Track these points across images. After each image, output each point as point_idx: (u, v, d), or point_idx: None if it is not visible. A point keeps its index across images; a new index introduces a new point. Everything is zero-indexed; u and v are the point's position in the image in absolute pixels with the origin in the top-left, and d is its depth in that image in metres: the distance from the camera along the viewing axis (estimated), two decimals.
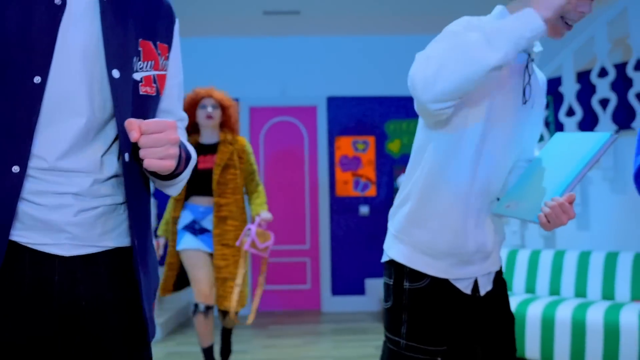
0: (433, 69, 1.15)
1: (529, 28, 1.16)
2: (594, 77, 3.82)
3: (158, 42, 1.04)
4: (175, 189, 1.10)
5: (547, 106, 4.96)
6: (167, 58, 1.06)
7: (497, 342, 1.46)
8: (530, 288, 3.70)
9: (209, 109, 3.14)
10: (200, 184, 3.10)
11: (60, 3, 0.92)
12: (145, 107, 1.01)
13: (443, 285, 1.41)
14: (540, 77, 1.50)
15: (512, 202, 1.43)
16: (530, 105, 1.42)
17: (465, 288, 1.43)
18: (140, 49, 1.00)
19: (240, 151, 3.15)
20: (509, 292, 3.62)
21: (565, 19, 1.32)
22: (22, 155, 0.89)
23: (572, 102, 3.89)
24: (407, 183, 1.45)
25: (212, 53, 5.63)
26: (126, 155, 0.98)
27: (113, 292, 0.99)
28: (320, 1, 5.35)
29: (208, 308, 3.04)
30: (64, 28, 0.92)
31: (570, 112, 3.94)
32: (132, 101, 0.99)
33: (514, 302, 3.35)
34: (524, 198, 1.41)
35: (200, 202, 3.12)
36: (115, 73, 0.95)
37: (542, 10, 1.18)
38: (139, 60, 1.00)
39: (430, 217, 1.39)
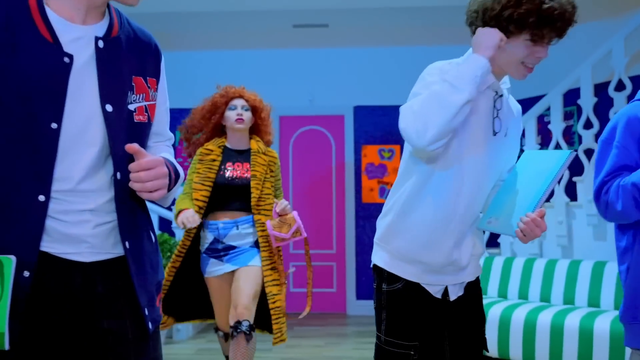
0: (421, 121, 1.40)
1: (477, 67, 1.44)
2: (611, 91, 3.88)
3: (148, 78, 1.25)
4: (166, 201, 1.31)
5: (571, 117, 5.01)
6: (156, 90, 1.27)
7: (466, 340, 1.63)
8: (545, 296, 3.78)
9: (240, 110, 2.84)
10: (229, 196, 2.77)
11: (68, 61, 1.11)
12: (140, 132, 1.23)
13: (415, 289, 1.59)
14: (514, 108, 1.67)
15: (492, 218, 1.60)
16: (502, 134, 1.60)
17: (436, 293, 1.60)
18: (133, 84, 1.21)
19: (272, 163, 2.87)
20: (524, 300, 3.75)
21: (526, 63, 1.51)
22: (46, 186, 1.10)
23: (589, 115, 3.96)
24: (392, 198, 1.63)
25: (245, 64, 5.89)
26: (118, 174, 1.18)
27: (124, 290, 1.20)
28: (348, 15, 5.54)
29: (227, 334, 2.85)
30: (73, 79, 1.12)
31: (588, 125, 4.00)
32: (128, 127, 1.19)
33: (526, 310, 3.45)
34: (502, 214, 1.57)
35: (220, 218, 2.77)
36: (109, 107, 1.15)
37: (483, 51, 1.47)
38: (133, 93, 1.21)
39: (406, 230, 1.58)
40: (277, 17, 5.50)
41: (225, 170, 2.78)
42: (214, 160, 2.78)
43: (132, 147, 1.13)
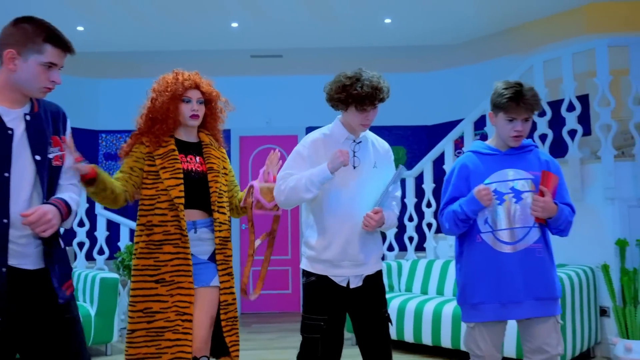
0: (282, 199, 2.29)
1: (324, 177, 2.19)
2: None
3: (61, 135, 1.86)
4: (67, 225, 1.84)
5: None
6: (65, 142, 1.85)
7: (370, 318, 2.31)
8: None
9: (195, 105, 2.46)
10: (187, 192, 2.36)
11: (11, 132, 1.73)
12: (57, 173, 1.82)
13: (324, 280, 2.29)
14: (381, 147, 2.42)
15: None
16: (370, 166, 2.32)
17: (341, 282, 2.29)
18: (51, 140, 1.81)
19: (224, 159, 2.59)
20: (440, 295, 4.48)
21: (363, 124, 2.28)
22: (6, 212, 1.68)
23: None
24: (306, 220, 2.38)
25: None
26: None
27: (48, 283, 1.78)
28: (300, 48, 6.26)
29: None
30: (15, 143, 1.72)
31: None
32: (49, 169, 1.77)
33: (435, 303, 4.17)
34: None
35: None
36: (37, 157, 1.75)
37: (330, 167, 2.18)
38: (51, 146, 1.81)
39: (313, 241, 2.31)
40: (237, 49, 6.19)
41: (181, 163, 2.43)
42: (173, 150, 2.42)
43: (24, 214, 1.68)
